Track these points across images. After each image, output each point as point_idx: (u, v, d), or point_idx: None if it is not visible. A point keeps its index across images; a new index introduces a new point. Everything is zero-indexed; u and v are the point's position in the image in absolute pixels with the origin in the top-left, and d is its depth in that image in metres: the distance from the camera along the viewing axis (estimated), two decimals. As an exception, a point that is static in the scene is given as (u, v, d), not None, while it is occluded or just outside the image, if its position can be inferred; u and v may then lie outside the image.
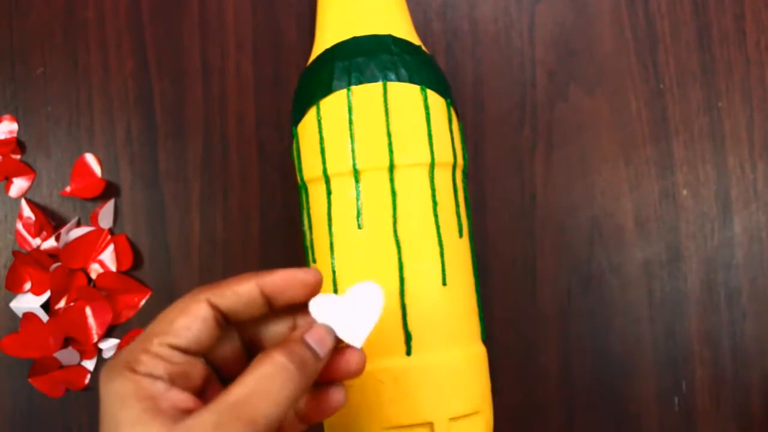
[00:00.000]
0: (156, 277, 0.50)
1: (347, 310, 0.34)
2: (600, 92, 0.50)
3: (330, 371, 0.34)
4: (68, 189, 0.50)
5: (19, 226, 0.50)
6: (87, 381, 0.49)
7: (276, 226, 0.50)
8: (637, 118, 0.50)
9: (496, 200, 0.50)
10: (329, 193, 0.41)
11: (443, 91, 0.43)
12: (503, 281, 0.49)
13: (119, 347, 0.49)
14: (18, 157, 0.51)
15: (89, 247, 0.49)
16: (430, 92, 0.41)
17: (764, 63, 0.50)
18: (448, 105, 0.43)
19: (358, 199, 0.40)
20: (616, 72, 0.50)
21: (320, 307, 0.33)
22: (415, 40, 0.43)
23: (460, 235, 0.42)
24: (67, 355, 0.49)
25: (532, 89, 0.50)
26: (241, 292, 0.32)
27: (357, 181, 0.40)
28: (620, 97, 0.50)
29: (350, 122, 0.40)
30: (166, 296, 0.50)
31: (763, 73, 0.50)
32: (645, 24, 0.50)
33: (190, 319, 0.31)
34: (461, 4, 0.50)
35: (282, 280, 0.33)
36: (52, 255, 0.49)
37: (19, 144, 0.51)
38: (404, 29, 0.43)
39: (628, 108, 0.50)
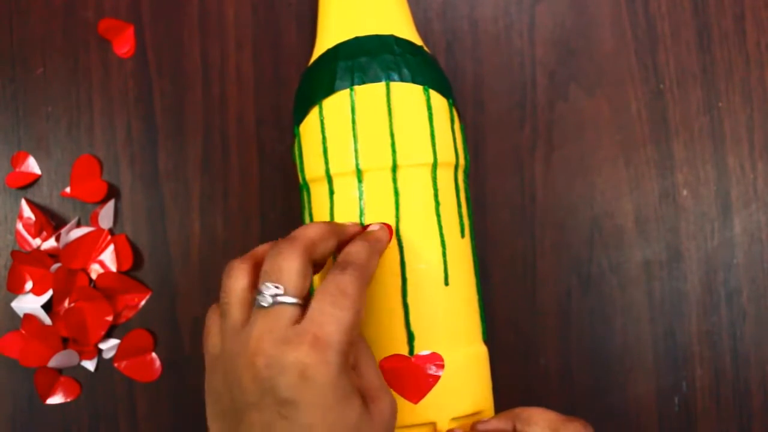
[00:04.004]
0: (156, 277, 0.50)
1: None
2: (600, 92, 0.50)
3: None
4: (68, 190, 0.50)
5: (19, 226, 0.50)
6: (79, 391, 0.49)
7: (276, 226, 0.50)
8: (637, 118, 0.50)
9: (496, 200, 0.50)
10: (332, 192, 0.41)
11: (445, 91, 0.43)
12: (503, 281, 0.49)
13: (119, 347, 0.49)
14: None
15: (89, 247, 0.49)
16: (432, 92, 0.41)
17: (764, 63, 0.50)
18: (450, 105, 0.43)
19: (360, 199, 0.40)
20: (616, 72, 0.50)
21: None
22: (417, 41, 0.43)
23: (462, 235, 0.42)
24: (67, 356, 0.49)
25: (532, 89, 0.50)
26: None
27: (360, 181, 0.40)
28: (620, 97, 0.50)
29: (353, 122, 0.40)
30: (166, 296, 0.50)
31: (763, 73, 0.50)
32: (645, 24, 0.50)
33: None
34: (461, 4, 0.50)
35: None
36: (52, 255, 0.49)
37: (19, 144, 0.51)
38: (406, 29, 0.43)
39: (628, 108, 0.50)
